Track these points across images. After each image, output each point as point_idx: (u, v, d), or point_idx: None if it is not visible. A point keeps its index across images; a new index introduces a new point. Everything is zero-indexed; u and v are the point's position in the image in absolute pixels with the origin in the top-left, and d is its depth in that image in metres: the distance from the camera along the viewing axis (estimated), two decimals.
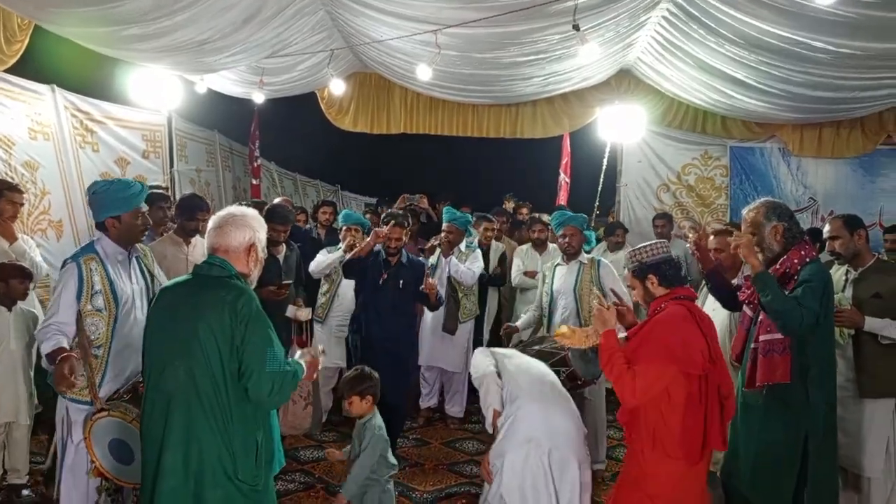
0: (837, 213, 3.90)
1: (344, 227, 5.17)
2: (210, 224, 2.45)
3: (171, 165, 7.27)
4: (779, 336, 2.91)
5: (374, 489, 3.19)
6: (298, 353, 2.64)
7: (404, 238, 4.52)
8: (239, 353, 2.23)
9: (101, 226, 3.00)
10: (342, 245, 5.05)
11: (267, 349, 2.25)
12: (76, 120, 5.81)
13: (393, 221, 4.47)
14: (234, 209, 2.50)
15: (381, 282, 4.43)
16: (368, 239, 4.42)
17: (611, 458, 4.78)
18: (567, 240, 4.55)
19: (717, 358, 2.60)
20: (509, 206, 8.09)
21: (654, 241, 2.84)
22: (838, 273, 3.79)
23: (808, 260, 2.95)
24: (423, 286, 4.45)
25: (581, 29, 4.52)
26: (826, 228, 3.78)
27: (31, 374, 3.81)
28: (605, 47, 5.64)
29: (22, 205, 4.28)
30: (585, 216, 4.83)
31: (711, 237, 3.72)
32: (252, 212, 2.52)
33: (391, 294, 4.42)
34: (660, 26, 5.54)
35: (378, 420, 3.29)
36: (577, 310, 4.49)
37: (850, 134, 6.89)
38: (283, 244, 4.67)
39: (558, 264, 4.70)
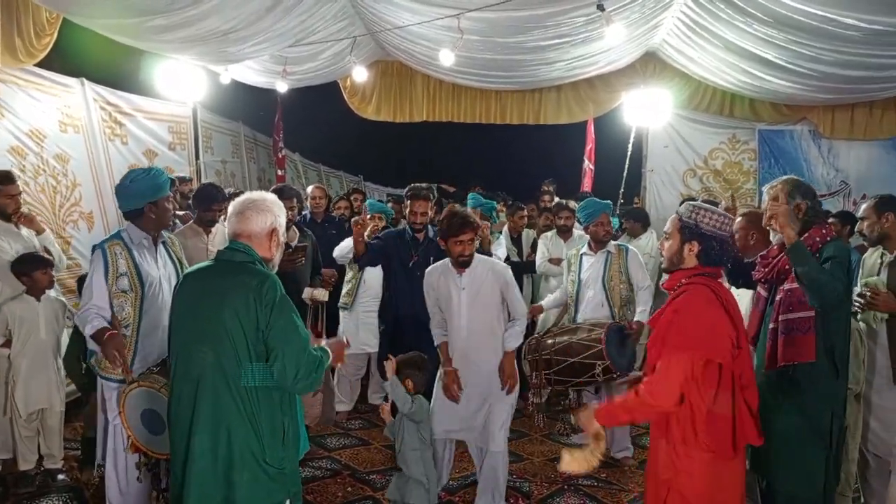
0: (871, 196, 3.82)
1: (368, 216, 5.18)
2: (231, 210, 2.48)
3: (197, 157, 7.36)
4: (802, 315, 2.86)
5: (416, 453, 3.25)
6: (324, 341, 2.67)
7: (430, 212, 4.43)
8: (264, 337, 2.25)
9: (129, 214, 3.09)
10: (366, 232, 5.05)
11: (292, 333, 2.27)
12: (105, 113, 5.91)
13: (411, 193, 4.39)
14: (254, 194, 2.52)
15: (411, 263, 4.31)
16: (356, 234, 4.18)
17: (637, 446, 4.75)
18: (605, 227, 4.51)
19: (742, 344, 2.40)
20: (550, 191, 8.01)
21: (723, 214, 2.49)
22: (874, 257, 3.71)
23: (829, 238, 2.91)
24: None
25: (606, 9, 4.45)
26: (860, 209, 3.71)
27: (60, 361, 3.90)
28: (631, 29, 5.56)
29: (19, 194, 3.99)
30: (611, 203, 4.77)
31: (739, 217, 3.64)
32: (271, 196, 2.54)
33: (424, 271, 4.24)
34: (686, 6, 5.44)
35: (416, 403, 3.27)
36: (606, 299, 4.44)
37: (884, 115, 6.69)
38: (295, 229, 4.60)
39: (585, 253, 4.65)
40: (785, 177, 3.10)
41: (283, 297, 2.31)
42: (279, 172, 9.26)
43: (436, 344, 3.66)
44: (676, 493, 2.38)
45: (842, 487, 3.22)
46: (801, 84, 5.93)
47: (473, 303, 3.53)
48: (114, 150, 6.01)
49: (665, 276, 2.63)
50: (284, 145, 9.40)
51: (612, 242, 4.60)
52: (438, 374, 3.64)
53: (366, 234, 4.90)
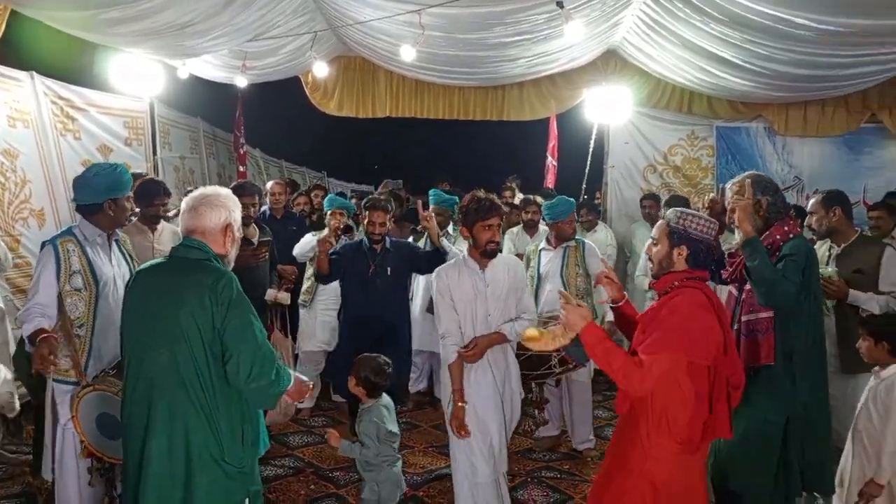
0: (822, 190, 3.93)
1: (329, 212, 5.10)
2: (183, 206, 2.43)
3: (154, 153, 7.20)
4: (762, 315, 2.91)
5: (372, 473, 3.13)
6: (286, 299, 2.61)
7: (388, 223, 4.40)
8: (220, 336, 2.21)
9: (85, 209, 2.99)
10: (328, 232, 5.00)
11: (247, 332, 2.24)
12: (56, 107, 5.72)
13: (369, 203, 4.34)
14: (208, 190, 2.47)
15: (370, 273, 4.24)
16: (321, 252, 4.11)
17: (599, 437, 4.82)
18: (572, 226, 4.60)
19: (730, 348, 2.47)
20: (512, 187, 8.09)
21: (708, 219, 2.53)
22: (822, 249, 3.83)
23: (791, 236, 2.95)
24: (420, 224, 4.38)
25: (565, 7, 4.48)
26: (811, 203, 3.82)
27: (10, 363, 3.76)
28: (591, 27, 5.61)
29: None
30: (574, 201, 4.83)
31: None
32: (225, 191, 2.50)
33: (382, 283, 4.24)
34: (645, 5, 5.51)
35: (377, 413, 3.16)
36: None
37: (835, 112, 6.89)
38: (255, 226, 4.52)
39: (543, 248, 4.71)
40: (748, 173, 3.13)
41: (240, 294, 2.27)
42: (240, 169, 9.12)
43: (449, 362, 3.13)
44: (645, 481, 2.42)
45: None
46: (756, 82, 6.07)
47: (497, 302, 3.18)
48: (66, 145, 5.82)
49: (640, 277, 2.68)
50: (245, 141, 9.26)
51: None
52: (448, 414, 3.16)
53: (329, 230, 4.85)
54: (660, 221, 2.60)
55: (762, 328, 2.89)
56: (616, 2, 5.37)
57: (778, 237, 2.96)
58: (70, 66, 6.32)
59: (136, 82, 6.38)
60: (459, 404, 3.07)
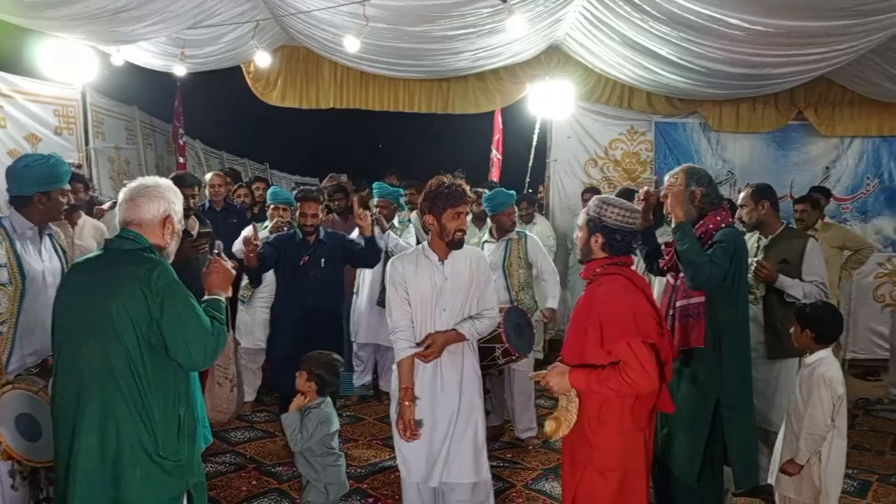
0: (752, 184, 4.11)
1: (271, 206, 5.03)
2: (121, 196, 2.37)
3: (87, 143, 6.93)
4: (693, 301, 3.03)
5: (316, 474, 3.07)
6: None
7: (320, 214, 4.35)
8: (159, 327, 2.17)
9: (15, 200, 2.86)
10: (269, 224, 4.92)
11: (190, 318, 2.20)
12: None
13: (300, 195, 4.28)
14: (147, 180, 2.41)
15: (302, 264, 4.20)
16: (247, 251, 3.99)
17: (541, 427, 4.92)
18: (511, 217, 4.66)
19: (663, 325, 2.55)
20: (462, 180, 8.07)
21: (628, 208, 2.57)
22: (751, 241, 4.01)
23: (723, 225, 3.07)
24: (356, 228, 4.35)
25: (507, 1, 4.52)
26: (741, 196, 4.00)
27: None
28: (534, 22, 5.68)
29: None
30: (515, 193, 4.89)
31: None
32: (165, 182, 2.44)
33: (314, 275, 4.20)
34: (587, 2, 5.61)
35: (326, 410, 3.09)
36: (505, 285, 4.56)
37: (765, 110, 7.19)
38: (195, 218, 4.40)
39: (486, 240, 4.78)
40: (684, 165, 3.26)
41: (175, 283, 2.23)
42: (179, 160, 8.85)
43: (399, 359, 2.93)
44: (593, 470, 2.47)
45: None
46: (691, 79, 6.27)
47: (456, 297, 2.95)
48: None
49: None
50: (185, 132, 8.99)
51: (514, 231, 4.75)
52: (394, 415, 2.99)
53: (271, 225, 4.76)
54: (583, 210, 2.67)
55: (694, 313, 3.02)
56: None
57: (711, 226, 3.08)
58: None
59: (68, 69, 6.10)
60: (406, 403, 2.89)
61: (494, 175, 8.12)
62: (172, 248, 2.45)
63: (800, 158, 7.34)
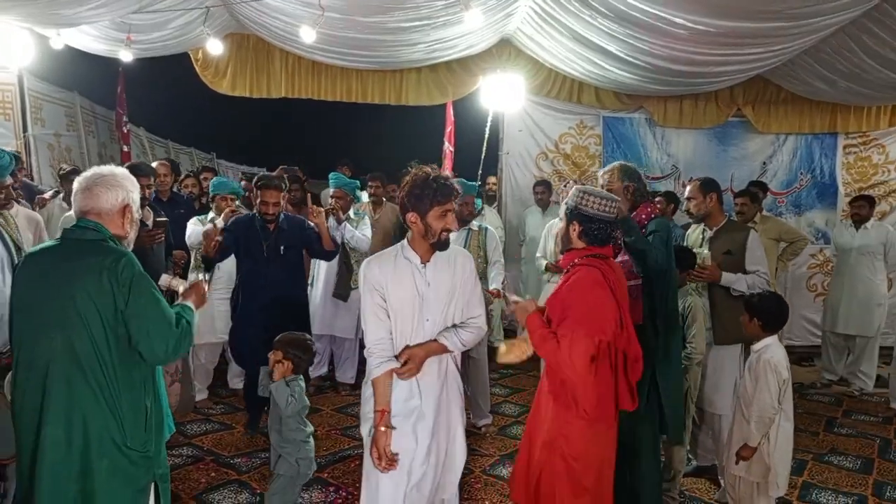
0: (696, 178, 4.32)
1: (217, 196, 4.91)
2: (76, 186, 2.34)
3: (25, 129, 6.67)
4: (632, 283, 3.24)
5: (290, 448, 3.14)
6: (181, 287, 2.61)
7: (282, 202, 4.35)
8: (124, 317, 2.16)
9: None
10: (213, 215, 4.81)
11: (154, 310, 2.20)
12: None
13: (262, 183, 4.27)
14: (104, 169, 2.39)
15: (264, 253, 4.21)
16: (208, 244, 4.05)
17: (496, 413, 5.05)
18: (468, 208, 4.75)
19: (627, 323, 2.59)
20: None
21: (607, 197, 2.61)
22: (696, 232, 4.21)
23: (653, 216, 3.38)
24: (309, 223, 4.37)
25: None
26: (686, 190, 4.18)
27: None
28: (488, 15, 5.75)
29: None
30: (477, 184, 4.98)
31: None
32: (122, 171, 2.43)
33: (276, 262, 4.22)
34: None
35: (301, 384, 3.18)
36: None
37: (707, 106, 7.48)
38: (149, 208, 4.30)
39: None
40: (616, 163, 3.51)
41: (141, 274, 2.22)
42: (124, 148, 8.57)
43: (375, 376, 2.55)
44: (557, 455, 2.57)
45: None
46: (638, 76, 6.48)
47: (439, 304, 2.60)
48: None
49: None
50: (129, 119, 8.71)
51: (475, 222, 4.84)
52: (367, 439, 2.62)
53: (221, 217, 4.68)
54: (563, 200, 2.79)
55: (633, 293, 3.22)
56: None
57: (643, 217, 3.36)
58: None
59: (3, 52, 5.84)
60: (382, 429, 2.51)
61: (447, 167, 8.19)
62: (132, 237, 2.45)
63: (739, 154, 7.67)
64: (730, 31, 5.20)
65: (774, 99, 7.42)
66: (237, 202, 4.97)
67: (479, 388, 4.79)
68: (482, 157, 7.63)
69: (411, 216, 2.55)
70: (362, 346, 2.78)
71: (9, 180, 2.99)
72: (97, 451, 2.15)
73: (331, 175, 5.49)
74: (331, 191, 5.40)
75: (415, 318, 2.57)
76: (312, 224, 4.40)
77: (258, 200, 4.27)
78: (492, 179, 7.84)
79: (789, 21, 4.93)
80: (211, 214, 4.84)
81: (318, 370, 5.74)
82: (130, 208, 2.38)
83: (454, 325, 2.63)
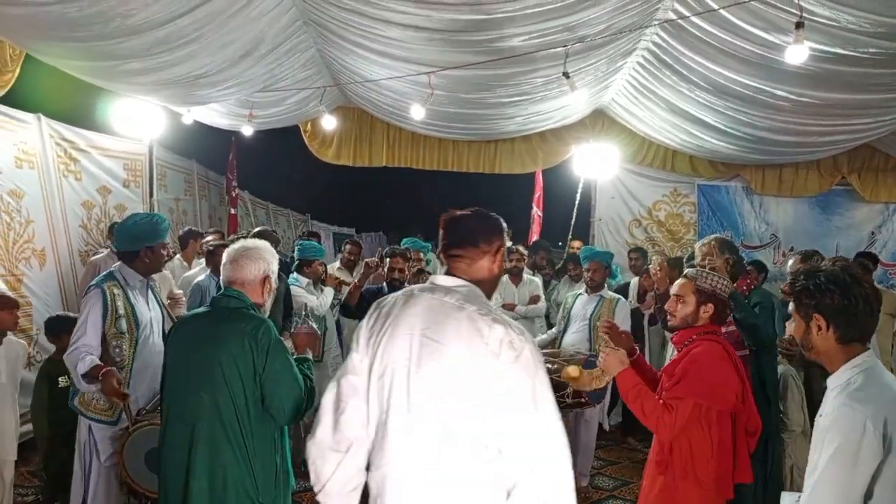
0: (798, 250, 4.27)
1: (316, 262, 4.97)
2: (225, 258, 2.57)
3: (151, 195, 7.26)
4: (741, 354, 3.20)
5: None
6: (288, 343, 2.75)
7: (407, 270, 4.57)
8: (261, 380, 2.34)
9: (125, 255, 3.13)
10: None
11: (287, 375, 2.37)
12: (60, 148, 5.82)
13: (393, 252, 4.57)
14: (248, 242, 2.62)
15: None
16: (362, 274, 4.35)
17: (592, 480, 4.94)
18: (591, 274, 4.84)
19: (748, 397, 2.66)
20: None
21: (726, 278, 2.78)
22: None
23: (753, 286, 3.42)
24: None
25: (570, 77, 4.75)
26: (789, 263, 4.11)
27: (17, 407, 3.75)
28: (585, 90, 5.93)
29: None
30: (611, 253, 5.07)
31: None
32: (264, 244, 2.64)
33: None
34: (634, 70, 5.86)
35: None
36: (588, 336, 4.73)
37: (808, 174, 7.31)
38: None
39: (580, 294, 4.96)
40: (713, 235, 3.54)
41: (277, 339, 2.40)
42: (231, 211, 9.20)
43: None
44: None
45: None
46: (737, 146, 6.44)
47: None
48: (67, 186, 5.90)
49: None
50: (237, 184, 9.36)
51: (609, 291, 4.93)
52: None
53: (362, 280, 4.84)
54: (681, 279, 2.79)
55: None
56: (609, 67, 5.71)
57: (744, 288, 3.40)
58: (74, 108, 6.40)
59: (137, 125, 6.47)
60: None
61: (535, 232, 8.28)
62: (268, 304, 2.65)
63: (843, 223, 7.39)
64: (836, 103, 5.14)
65: (882, 167, 7.17)
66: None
67: (584, 447, 4.73)
68: (572, 222, 7.70)
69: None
70: None
71: (168, 241, 3.32)
72: (235, 502, 2.30)
73: (405, 240, 5.65)
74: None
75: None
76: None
77: (387, 268, 4.55)
78: (576, 244, 7.84)
79: None
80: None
81: None
82: (270, 279, 2.59)
83: None
